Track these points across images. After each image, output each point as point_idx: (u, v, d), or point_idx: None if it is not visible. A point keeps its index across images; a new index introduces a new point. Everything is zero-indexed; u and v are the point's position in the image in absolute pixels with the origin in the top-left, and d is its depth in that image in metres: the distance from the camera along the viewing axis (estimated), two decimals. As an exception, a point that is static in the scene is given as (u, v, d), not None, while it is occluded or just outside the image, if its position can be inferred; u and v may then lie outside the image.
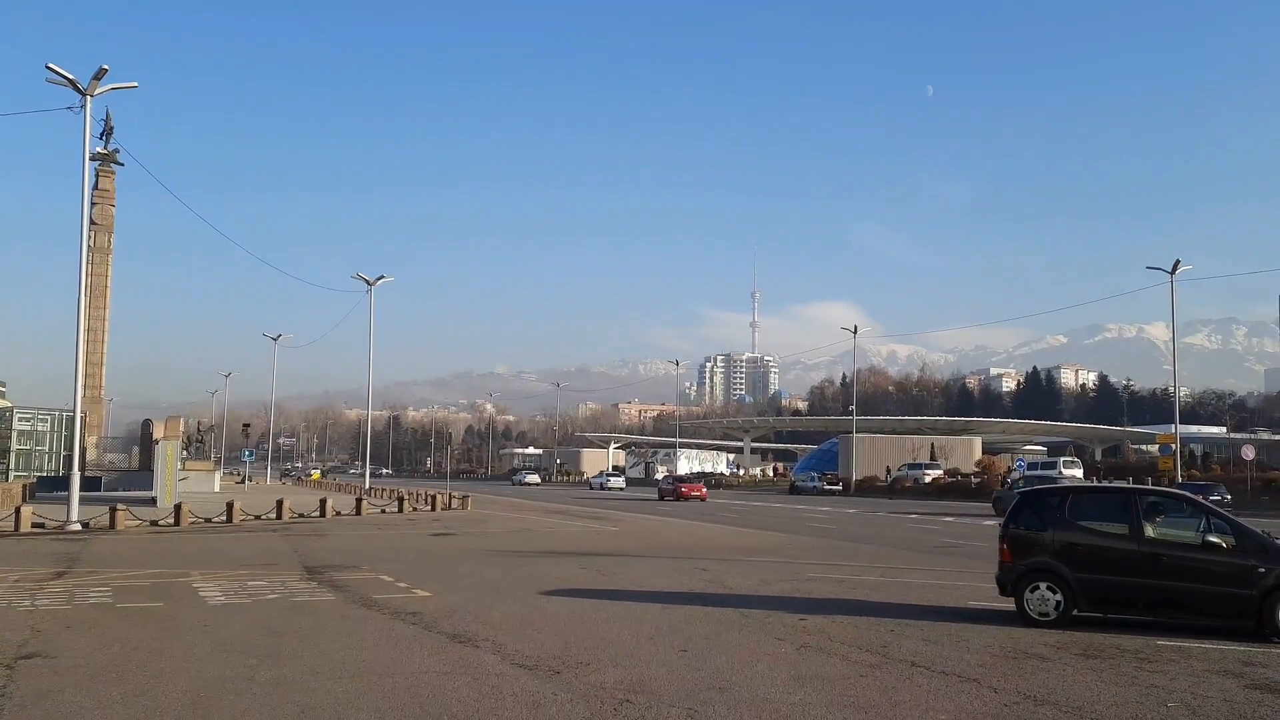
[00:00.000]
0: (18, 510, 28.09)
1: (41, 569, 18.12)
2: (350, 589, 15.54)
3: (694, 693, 8.48)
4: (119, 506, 29.70)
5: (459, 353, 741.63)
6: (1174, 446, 58.35)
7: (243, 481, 79.88)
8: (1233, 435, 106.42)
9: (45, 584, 15.91)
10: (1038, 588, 12.35)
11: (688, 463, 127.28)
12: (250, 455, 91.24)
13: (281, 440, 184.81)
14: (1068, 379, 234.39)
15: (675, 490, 61.02)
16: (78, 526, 27.73)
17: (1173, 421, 61.84)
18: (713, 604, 14.10)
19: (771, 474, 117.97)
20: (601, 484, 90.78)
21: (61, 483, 44.14)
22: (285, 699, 8.13)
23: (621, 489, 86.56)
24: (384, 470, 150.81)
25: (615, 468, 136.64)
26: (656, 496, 62.25)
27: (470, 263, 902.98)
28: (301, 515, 34.60)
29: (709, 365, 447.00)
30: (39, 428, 56.77)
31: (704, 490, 62.16)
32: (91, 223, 55.09)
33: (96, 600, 14.05)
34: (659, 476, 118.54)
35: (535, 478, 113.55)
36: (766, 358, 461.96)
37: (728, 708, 7.95)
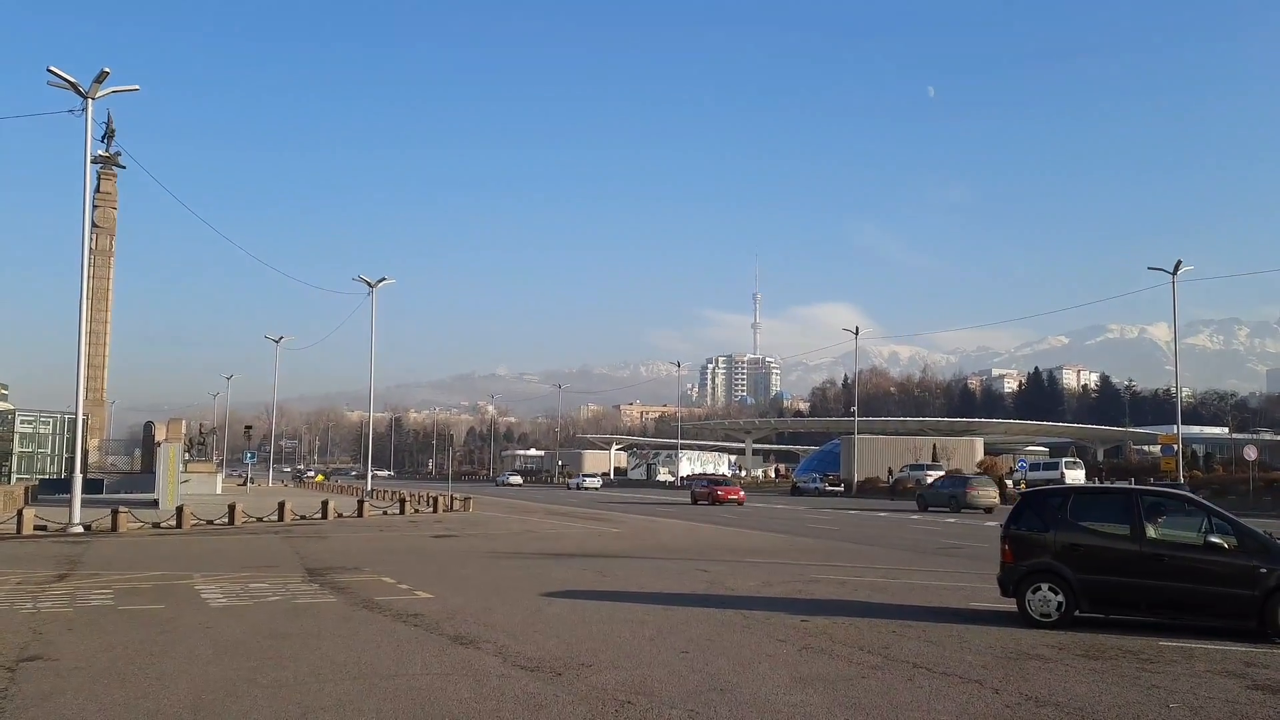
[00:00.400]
0: (20, 512, 28.12)
1: (44, 571, 18.14)
2: (352, 591, 15.55)
3: (695, 694, 8.48)
4: (121, 509, 29.73)
5: (460, 355, 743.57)
6: (1176, 447, 58.33)
7: (245, 483, 79.91)
8: (1235, 436, 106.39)
9: (47, 586, 15.92)
10: (1039, 589, 12.34)
11: (689, 464, 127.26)
12: (252, 457, 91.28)
13: (283, 442, 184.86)
14: (1069, 380, 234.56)
15: (710, 493, 56.38)
16: (80, 529, 27.76)
17: (1175, 422, 61.81)
18: (714, 605, 14.11)
19: (773, 475, 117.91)
20: (579, 484, 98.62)
21: (63, 485, 44.20)
22: (287, 701, 8.14)
23: (596, 488, 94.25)
24: (379, 472, 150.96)
25: (617, 469, 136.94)
26: (689, 500, 58.05)
27: (472, 265, 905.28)
28: (303, 517, 34.61)
29: (710, 367, 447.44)
30: (41, 430, 56.82)
31: (742, 493, 57.76)
32: (93, 225, 55.19)
33: (98, 602, 14.06)
34: (666, 476, 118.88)
35: (518, 479, 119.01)
36: (768, 359, 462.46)
37: (729, 709, 7.95)
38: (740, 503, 54.28)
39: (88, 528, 28.05)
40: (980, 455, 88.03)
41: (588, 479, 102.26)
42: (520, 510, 46.18)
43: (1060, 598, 12.20)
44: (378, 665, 9.65)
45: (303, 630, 11.77)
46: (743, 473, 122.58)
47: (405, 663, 9.78)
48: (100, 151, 57.82)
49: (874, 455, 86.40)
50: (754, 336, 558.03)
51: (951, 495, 47.86)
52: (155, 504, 37.69)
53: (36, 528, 27.58)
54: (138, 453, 75.94)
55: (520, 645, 10.74)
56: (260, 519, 32.80)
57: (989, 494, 47.29)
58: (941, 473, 75.16)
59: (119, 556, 21.48)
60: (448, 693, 8.46)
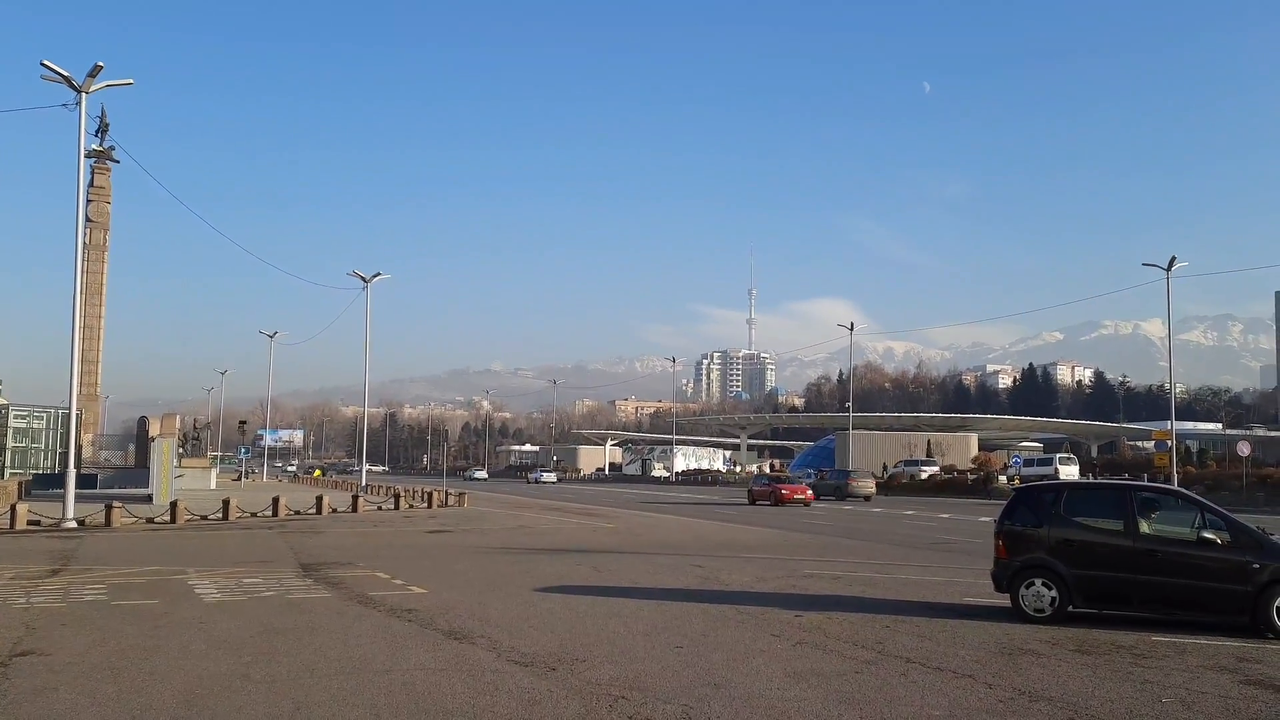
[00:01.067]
0: (13, 507, 28.04)
1: (37, 566, 18.10)
2: (346, 586, 15.53)
3: (689, 689, 8.48)
4: (115, 504, 29.67)
5: (455, 350, 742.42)
6: (1170, 443, 58.43)
7: (239, 478, 79.81)
8: (1229, 432, 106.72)
9: (40, 581, 15.88)
10: (1033, 584, 12.36)
11: (684, 459, 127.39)
12: (246, 452, 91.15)
13: (277, 441, 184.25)
14: (1064, 376, 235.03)
15: (772, 492, 49.06)
16: (73, 524, 27.70)
17: (1169, 418, 61.95)
18: (708, 600, 14.11)
19: (768, 471, 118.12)
20: (537, 479, 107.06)
21: (57, 480, 44.04)
22: (280, 696, 8.12)
23: (553, 483, 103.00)
24: (373, 468, 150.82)
25: (612, 464, 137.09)
26: (746, 500, 51.06)
27: (467, 260, 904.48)
28: (297, 512, 34.57)
29: (706, 362, 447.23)
30: (35, 425, 56.69)
31: (809, 492, 50.46)
32: (87, 220, 54.94)
33: (92, 597, 14.03)
34: (661, 472, 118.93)
35: (483, 473, 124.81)
36: (763, 354, 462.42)
37: (723, 704, 7.95)
38: (807, 503, 47.74)
39: (81, 523, 27.99)
40: (975, 451, 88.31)
41: (544, 474, 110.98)
42: (515, 506, 46.21)
43: (1053, 593, 12.21)
44: (372, 661, 9.63)
45: (296, 625, 11.75)
46: (738, 468, 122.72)
47: (399, 658, 9.77)
48: (94, 146, 57.66)
49: (869, 451, 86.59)
50: (749, 332, 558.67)
51: (836, 486, 58.00)
52: (149, 499, 37.64)
53: (30, 523, 27.50)
54: (131, 448, 75.83)
55: (514, 640, 10.73)
56: (254, 514, 32.76)
57: (867, 485, 57.59)
58: (936, 468, 75.51)
59: (112, 551, 21.45)
60: (442, 688, 8.45)
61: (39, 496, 42.22)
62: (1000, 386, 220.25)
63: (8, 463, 53.83)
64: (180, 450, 52.06)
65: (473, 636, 11.01)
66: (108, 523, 28.31)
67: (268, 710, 7.68)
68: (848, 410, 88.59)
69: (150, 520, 29.79)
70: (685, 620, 12.27)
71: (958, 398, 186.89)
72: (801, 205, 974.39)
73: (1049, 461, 72.06)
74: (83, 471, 46.46)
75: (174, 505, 30.63)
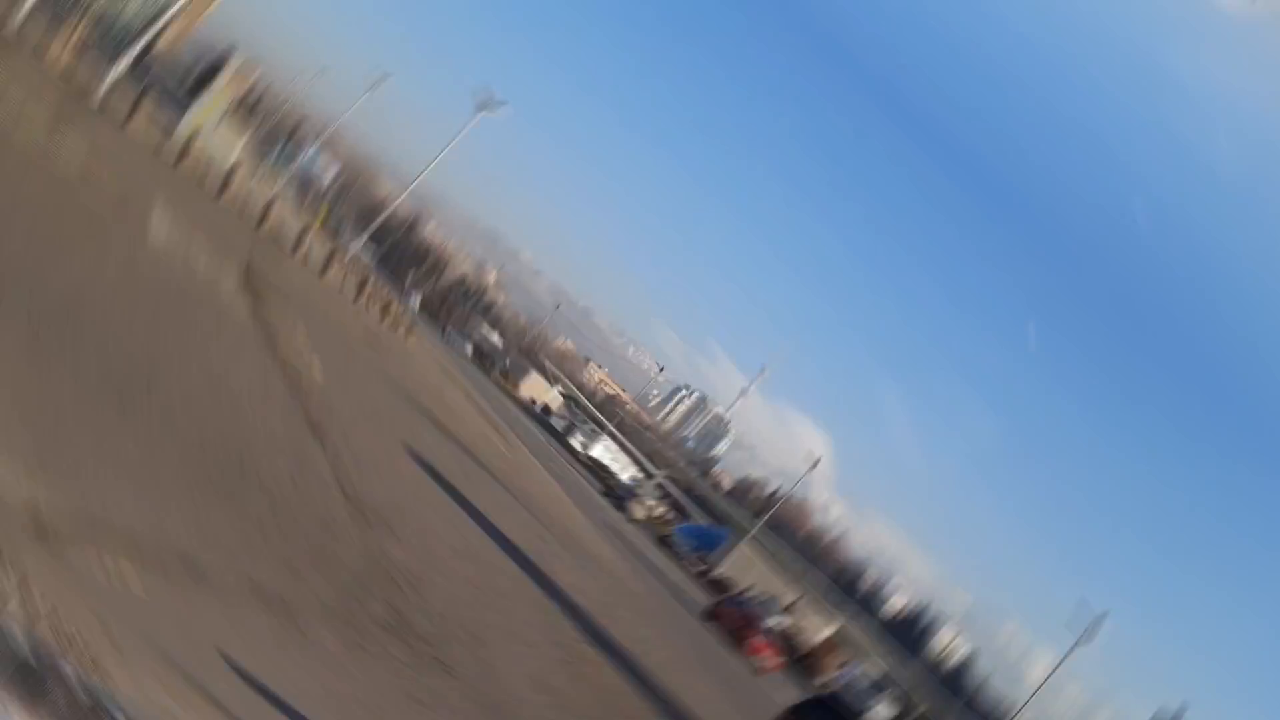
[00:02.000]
0: None
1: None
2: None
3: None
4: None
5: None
6: None
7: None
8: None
9: None
10: None
11: (604, 451, 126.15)
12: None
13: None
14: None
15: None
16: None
17: None
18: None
19: (660, 514, 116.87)
20: None
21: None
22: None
23: None
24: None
25: (544, 408, 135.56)
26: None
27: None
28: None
29: (682, 394, 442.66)
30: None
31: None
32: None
33: None
34: (577, 445, 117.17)
35: None
36: (729, 425, 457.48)
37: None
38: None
39: None
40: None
41: None
42: (448, 376, 45.86)
43: None
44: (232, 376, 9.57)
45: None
46: (639, 493, 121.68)
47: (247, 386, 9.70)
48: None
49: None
50: (737, 400, 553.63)
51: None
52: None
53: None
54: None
55: (359, 468, 10.64)
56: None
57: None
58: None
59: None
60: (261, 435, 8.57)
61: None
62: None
63: None
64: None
65: (328, 432, 11.04)
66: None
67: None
68: (752, 523, 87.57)
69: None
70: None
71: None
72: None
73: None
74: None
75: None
